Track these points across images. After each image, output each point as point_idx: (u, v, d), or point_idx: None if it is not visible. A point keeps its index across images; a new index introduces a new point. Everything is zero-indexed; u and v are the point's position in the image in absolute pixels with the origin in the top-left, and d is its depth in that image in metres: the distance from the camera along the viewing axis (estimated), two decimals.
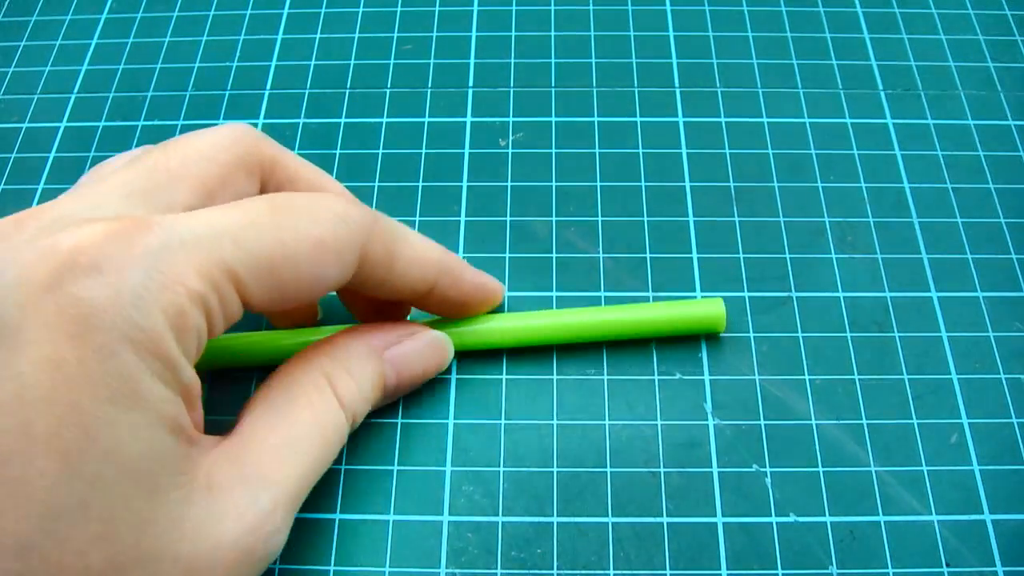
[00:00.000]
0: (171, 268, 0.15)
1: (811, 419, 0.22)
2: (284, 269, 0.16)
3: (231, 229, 0.16)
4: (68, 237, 0.15)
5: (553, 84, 0.29)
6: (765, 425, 0.22)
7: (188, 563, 0.15)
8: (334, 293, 0.23)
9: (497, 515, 0.21)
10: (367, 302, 0.22)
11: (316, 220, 0.17)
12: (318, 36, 0.30)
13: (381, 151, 0.27)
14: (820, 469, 0.21)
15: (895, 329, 0.23)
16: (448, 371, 0.23)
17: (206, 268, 0.15)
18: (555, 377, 0.23)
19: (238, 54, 0.30)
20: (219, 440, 0.17)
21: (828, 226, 0.25)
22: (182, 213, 0.16)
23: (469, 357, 0.23)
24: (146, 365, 0.14)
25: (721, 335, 0.23)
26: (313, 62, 0.29)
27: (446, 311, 0.22)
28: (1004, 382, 0.22)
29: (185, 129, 0.28)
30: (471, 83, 0.29)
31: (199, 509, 0.15)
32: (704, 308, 0.23)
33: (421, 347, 0.21)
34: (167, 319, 0.15)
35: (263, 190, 0.19)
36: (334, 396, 0.18)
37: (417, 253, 0.19)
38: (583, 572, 0.20)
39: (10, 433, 0.13)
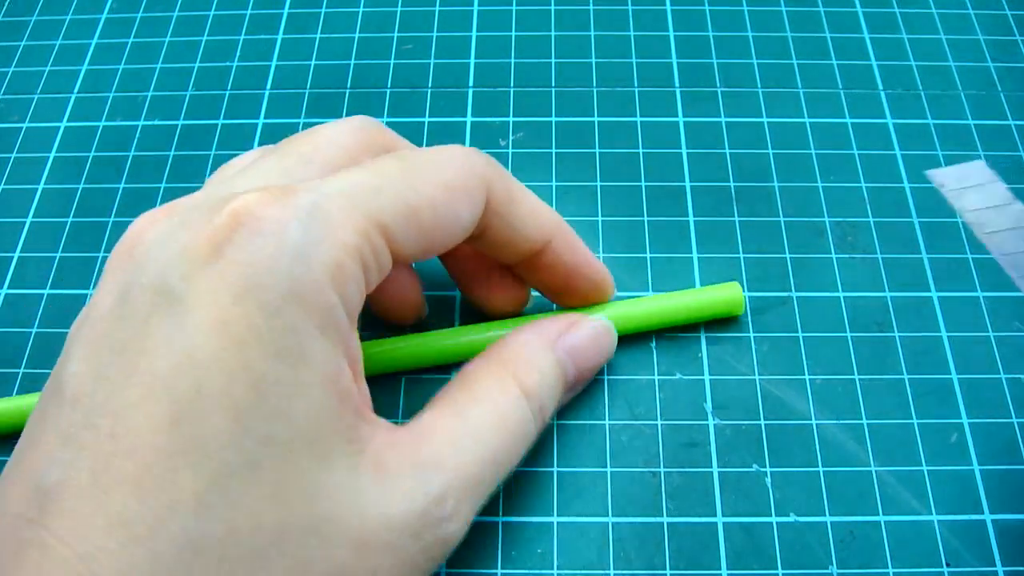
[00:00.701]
0: (325, 224, 0.15)
1: (811, 419, 0.22)
2: (424, 213, 0.17)
3: (371, 183, 0.16)
4: (224, 210, 0.15)
5: (553, 84, 0.29)
6: (765, 425, 0.22)
7: (357, 538, 0.15)
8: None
9: (498, 515, 0.21)
10: (480, 274, 0.22)
11: (443, 166, 0.18)
12: (318, 36, 0.30)
13: None
14: (820, 469, 0.21)
15: (895, 329, 0.23)
16: (448, 371, 0.23)
17: (356, 221, 0.16)
18: None
19: (238, 54, 0.30)
20: (393, 427, 0.17)
21: (828, 226, 0.25)
22: (322, 179, 0.16)
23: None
24: (311, 320, 0.15)
25: (722, 334, 0.23)
26: (313, 62, 0.29)
27: (558, 286, 0.21)
28: (1004, 382, 0.22)
29: (185, 129, 0.28)
30: (471, 83, 0.29)
31: (367, 484, 0.15)
32: (723, 293, 0.23)
33: (590, 334, 0.21)
34: (327, 273, 0.15)
35: None
36: (517, 387, 0.18)
37: (534, 203, 0.20)
38: (583, 572, 0.20)
39: (183, 394, 0.14)
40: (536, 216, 0.20)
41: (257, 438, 0.14)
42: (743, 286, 0.24)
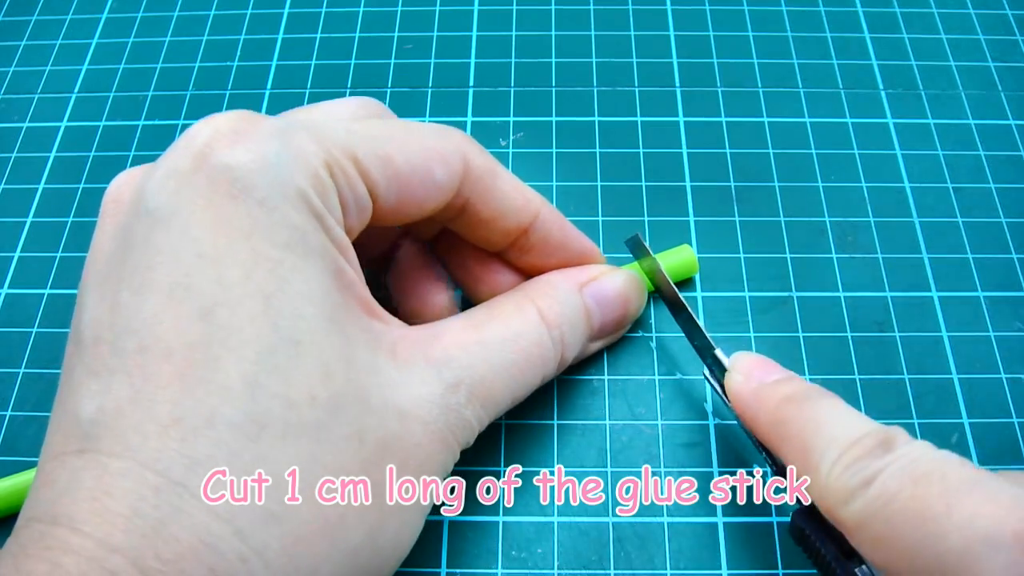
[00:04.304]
0: (297, 143, 0.16)
1: None
2: (398, 159, 0.17)
3: (343, 125, 0.17)
4: (201, 130, 0.15)
5: (554, 84, 0.29)
6: None
7: (397, 408, 0.16)
8: None
9: (498, 515, 0.21)
10: (483, 270, 0.22)
11: (420, 130, 0.18)
12: (319, 36, 0.30)
13: None
14: None
15: (896, 329, 0.23)
16: None
17: (325, 145, 0.16)
18: (555, 377, 0.23)
19: (239, 54, 0.30)
20: (407, 326, 0.18)
21: (829, 226, 0.25)
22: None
23: None
24: (304, 218, 0.15)
25: (723, 334, 0.23)
26: (314, 62, 0.29)
27: (551, 266, 0.21)
28: (1005, 382, 0.22)
29: (186, 129, 0.28)
30: (472, 83, 0.29)
31: (388, 367, 0.16)
32: (678, 256, 0.24)
33: (617, 283, 0.21)
34: (307, 180, 0.15)
35: None
36: (536, 312, 0.19)
37: (517, 181, 0.20)
38: (584, 572, 0.20)
39: (206, 288, 0.14)
40: (520, 191, 0.20)
41: (290, 316, 0.14)
42: (744, 286, 0.24)
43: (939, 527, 0.13)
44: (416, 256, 0.22)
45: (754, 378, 0.19)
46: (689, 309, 0.21)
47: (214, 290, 0.14)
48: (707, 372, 0.20)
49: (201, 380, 0.14)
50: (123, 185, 0.17)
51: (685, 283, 0.24)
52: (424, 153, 0.18)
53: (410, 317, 0.22)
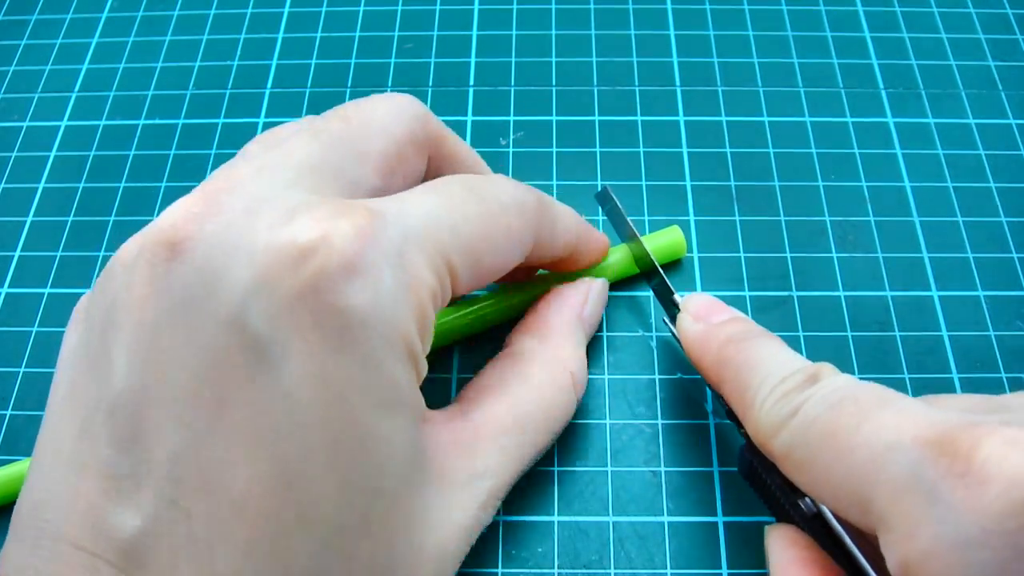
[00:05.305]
0: (411, 265, 0.15)
1: None
2: (485, 256, 0.16)
3: (445, 218, 0.16)
4: (305, 230, 0.14)
5: (554, 83, 0.29)
6: None
7: (433, 551, 0.15)
8: None
9: (498, 515, 0.21)
10: None
11: (504, 208, 0.17)
12: (319, 35, 0.30)
13: None
14: None
15: (896, 328, 0.23)
16: (448, 370, 0.23)
17: (434, 262, 0.15)
18: None
19: (239, 53, 0.30)
20: (446, 419, 0.17)
21: (829, 225, 0.25)
22: (396, 199, 0.16)
23: (470, 354, 0.23)
24: (406, 368, 0.15)
25: None
26: (314, 61, 0.29)
27: (569, 268, 0.22)
28: (1005, 381, 0.22)
29: (186, 128, 0.28)
30: (472, 82, 0.29)
31: (436, 500, 0.16)
32: (666, 238, 0.24)
33: (598, 298, 0.22)
34: (415, 321, 0.15)
35: (428, 166, 0.19)
36: (570, 378, 0.19)
37: (567, 225, 0.20)
38: (584, 571, 0.20)
39: (290, 455, 0.13)
40: (568, 236, 0.20)
41: (366, 493, 0.14)
42: (744, 286, 0.24)
43: (848, 443, 0.14)
44: None
45: (702, 319, 0.19)
46: (644, 244, 0.22)
47: (299, 459, 0.13)
48: (666, 318, 0.21)
49: (269, 552, 0.13)
50: (183, 237, 0.14)
51: (674, 265, 0.24)
52: (508, 242, 0.17)
53: None
